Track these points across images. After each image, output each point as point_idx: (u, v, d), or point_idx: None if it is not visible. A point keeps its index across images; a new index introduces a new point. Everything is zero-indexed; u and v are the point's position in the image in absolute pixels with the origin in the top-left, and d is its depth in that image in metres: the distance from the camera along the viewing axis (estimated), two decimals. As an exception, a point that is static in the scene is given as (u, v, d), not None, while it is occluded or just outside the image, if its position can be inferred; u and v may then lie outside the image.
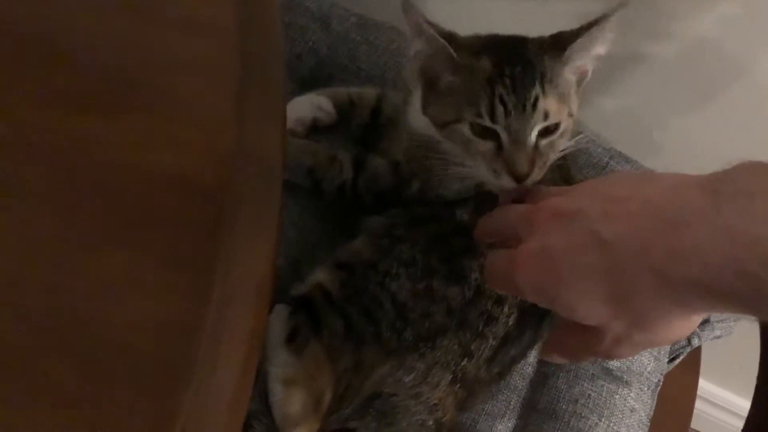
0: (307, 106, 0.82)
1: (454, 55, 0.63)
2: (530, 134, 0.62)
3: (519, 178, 0.62)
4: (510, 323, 0.68)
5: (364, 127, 0.85)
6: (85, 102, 0.48)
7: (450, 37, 0.64)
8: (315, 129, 0.84)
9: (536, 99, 0.62)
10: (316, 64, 0.94)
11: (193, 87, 0.50)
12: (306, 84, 0.90)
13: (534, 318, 0.71)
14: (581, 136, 0.68)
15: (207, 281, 0.43)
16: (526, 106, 0.61)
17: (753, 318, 0.41)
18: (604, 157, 0.90)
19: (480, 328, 0.67)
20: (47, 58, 0.49)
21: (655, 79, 0.94)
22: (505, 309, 0.68)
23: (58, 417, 0.38)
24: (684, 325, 0.45)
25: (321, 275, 0.71)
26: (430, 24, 0.62)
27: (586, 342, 0.48)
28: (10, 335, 0.40)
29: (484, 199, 0.65)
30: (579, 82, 0.66)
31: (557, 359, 0.54)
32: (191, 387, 0.40)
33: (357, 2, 0.97)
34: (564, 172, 0.72)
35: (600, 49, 0.64)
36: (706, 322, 0.91)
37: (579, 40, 0.62)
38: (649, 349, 0.84)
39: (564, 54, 0.63)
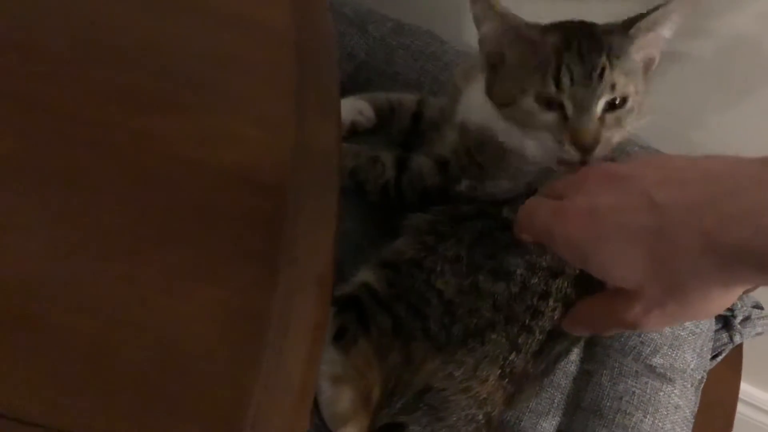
0: (347, 109, 0.84)
1: (525, 29, 0.65)
2: (596, 104, 0.63)
3: (583, 149, 0.63)
4: (555, 317, 0.68)
5: (405, 132, 0.86)
6: (147, 100, 0.49)
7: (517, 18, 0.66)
8: (354, 133, 0.85)
9: (603, 69, 0.62)
10: (354, 70, 0.95)
11: (251, 85, 0.51)
12: (344, 89, 0.91)
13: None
14: (649, 118, 0.69)
15: (271, 273, 0.44)
16: (592, 76, 0.62)
17: None
18: (642, 156, 0.90)
19: (527, 322, 0.67)
20: (108, 59, 0.51)
21: (692, 77, 0.94)
22: (550, 303, 0.68)
23: (134, 404, 0.39)
24: (720, 300, 0.45)
25: (366, 275, 0.72)
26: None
27: (613, 310, 0.48)
28: (86, 325, 0.41)
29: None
30: (646, 69, 0.67)
31: (580, 330, 0.53)
32: (261, 375, 0.41)
33: (393, 7, 0.98)
34: None
35: (666, 31, 0.65)
36: (747, 319, 0.91)
37: (645, 20, 0.63)
38: (691, 347, 0.84)
39: (630, 32, 0.64)
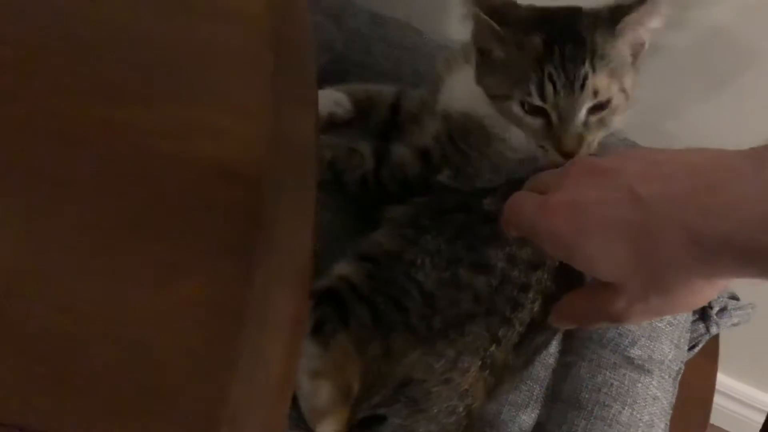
0: (324, 101, 0.83)
1: (500, 31, 0.64)
2: (579, 112, 0.63)
3: (566, 155, 0.63)
4: (535, 309, 0.68)
5: (384, 124, 0.85)
6: (121, 92, 0.48)
7: (497, 11, 0.65)
8: (331, 125, 0.84)
9: (585, 77, 0.62)
10: (330, 61, 0.94)
11: (227, 76, 0.50)
12: (321, 81, 0.90)
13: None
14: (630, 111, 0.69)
15: (249, 267, 0.43)
16: (574, 85, 0.62)
17: None
18: (619, 148, 0.90)
19: (507, 314, 0.67)
20: (80, 50, 0.49)
21: (669, 68, 0.94)
22: (530, 295, 0.68)
23: (108, 401, 0.38)
24: (703, 293, 0.45)
25: (344, 268, 0.71)
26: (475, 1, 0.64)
27: (598, 303, 0.48)
28: (58, 322, 0.39)
29: (514, 189, 0.66)
30: (635, 55, 0.67)
31: (565, 324, 0.54)
32: (239, 371, 0.40)
33: (369, -1, 0.97)
34: None
35: (655, 23, 0.65)
36: (723, 310, 0.92)
37: (633, 14, 0.63)
38: (669, 338, 0.84)
39: (617, 27, 0.63)
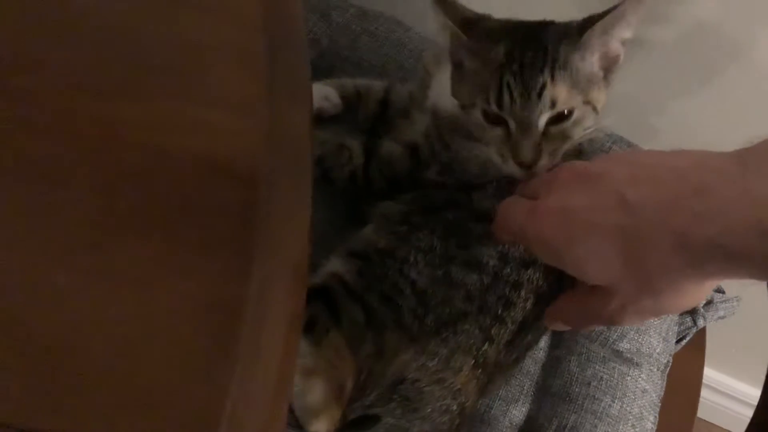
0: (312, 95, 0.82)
1: (465, 39, 0.64)
2: (537, 122, 0.62)
3: (524, 165, 0.63)
4: (527, 308, 0.68)
5: (372, 119, 0.84)
6: (113, 86, 0.47)
7: (468, 22, 0.64)
8: (319, 119, 0.84)
9: (543, 87, 0.62)
10: (317, 56, 0.93)
11: (220, 71, 0.49)
12: (308, 75, 0.89)
13: (550, 303, 0.71)
14: (601, 125, 0.68)
15: (245, 264, 0.42)
16: (531, 95, 0.62)
17: None
18: (606, 143, 0.91)
19: (499, 312, 0.67)
20: (70, 42, 0.48)
21: (653, 63, 0.94)
22: (522, 293, 0.68)
23: (104, 402, 0.38)
24: (693, 294, 0.45)
25: (335, 265, 0.71)
26: (445, 8, 0.63)
27: (590, 306, 0.48)
28: (51, 321, 0.39)
29: (504, 185, 0.66)
30: (608, 68, 0.66)
31: (560, 326, 0.54)
32: (238, 369, 0.39)
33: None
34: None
35: (624, 33, 0.64)
36: (709, 302, 0.92)
37: (597, 25, 0.62)
38: (657, 331, 0.85)
39: (581, 39, 0.62)
